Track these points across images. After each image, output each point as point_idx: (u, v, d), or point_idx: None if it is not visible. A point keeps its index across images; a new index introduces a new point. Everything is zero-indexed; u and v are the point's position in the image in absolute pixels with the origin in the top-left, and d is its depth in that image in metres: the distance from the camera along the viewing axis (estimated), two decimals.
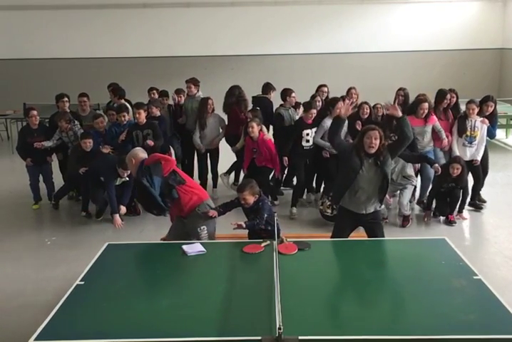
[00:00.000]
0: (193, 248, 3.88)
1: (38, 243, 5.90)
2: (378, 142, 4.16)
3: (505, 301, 3.05)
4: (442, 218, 6.22)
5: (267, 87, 7.16)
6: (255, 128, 6.11)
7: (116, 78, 13.38)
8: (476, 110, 6.23)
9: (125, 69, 13.78)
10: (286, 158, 6.34)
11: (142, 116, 6.33)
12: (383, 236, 4.44)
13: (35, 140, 6.58)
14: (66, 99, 7.06)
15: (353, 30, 14.14)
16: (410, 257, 3.90)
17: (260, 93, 7.28)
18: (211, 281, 3.48)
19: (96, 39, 13.90)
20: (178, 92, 7.32)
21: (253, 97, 7.23)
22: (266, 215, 4.33)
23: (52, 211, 6.89)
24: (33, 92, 12.84)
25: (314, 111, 6.25)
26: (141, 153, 4.62)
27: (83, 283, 3.40)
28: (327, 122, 6.16)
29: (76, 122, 6.75)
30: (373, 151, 4.18)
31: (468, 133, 6.26)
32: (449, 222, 6.11)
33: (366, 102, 6.53)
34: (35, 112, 6.63)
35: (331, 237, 4.51)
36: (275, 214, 4.35)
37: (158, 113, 6.78)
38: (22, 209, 6.99)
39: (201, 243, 4.01)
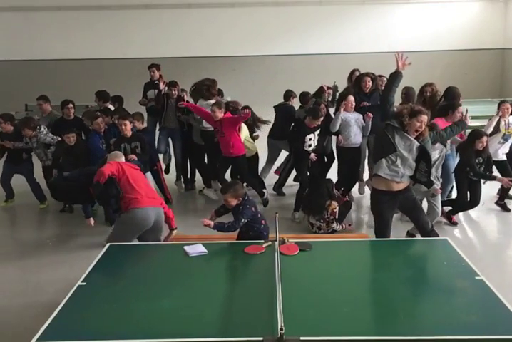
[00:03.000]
0: (195, 249, 3.88)
1: (39, 244, 5.90)
2: (424, 126, 4.24)
3: (508, 302, 3.04)
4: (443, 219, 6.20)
5: (288, 95, 7.24)
6: (217, 112, 6.07)
7: (118, 79, 13.45)
8: (511, 109, 6.36)
9: (126, 70, 13.79)
10: (313, 154, 6.26)
11: (128, 128, 6.05)
12: (423, 214, 4.55)
13: (11, 140, 6.66)
14: (71, 105, 7.01)
15: (354, 30, 14.15)
16: (412, 257, 3.90)
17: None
18: (212, 281, 3.48)
19: (98, 40, 13.92)
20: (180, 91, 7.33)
21: (275, 106, 7.29)
22: (244, 220, 4.23)
23: (53, 212, 6.90)
24: (34, 93, 12.75)
25: (322, 119, 6.22)
26: (116, 158, 4.74)
27: (84, 283, 3.40)
28: (343, 113, 6.26)
29: (42, 128, 6.61)
30: (416, 134, 4.23)
31: (504, 131, 6.33)
32: (452, 223, 6.10)
33: (367, 74, 6.52)
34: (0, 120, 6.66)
35: (377, 231, 4.54)
36: (276, 215, 4.32)
37: (141, 126, 6.64)
38: (24, 209, 7.00)
39: (203, 244, 4.01)
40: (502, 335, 2.75)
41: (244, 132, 6.59)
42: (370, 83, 6.41)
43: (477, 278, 3.35)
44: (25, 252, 5.69)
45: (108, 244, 4.08)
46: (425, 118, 4.21)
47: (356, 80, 6.77)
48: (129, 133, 6.08)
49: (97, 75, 13.55)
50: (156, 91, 7.43)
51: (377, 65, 14.03)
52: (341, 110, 6.23)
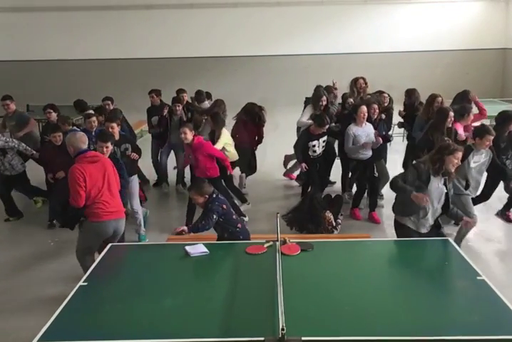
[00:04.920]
0: (196, 249, 3.88)
1: (41, 244, 5.91)
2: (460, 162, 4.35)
3: (509, 302, 3.04)
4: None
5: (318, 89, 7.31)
6: (188, 134, 5.77)
7: (119, 79, 13.46)
8: None
9: (128, 70, 13.81)
10: (304, 164, 6.30)
11: (116, 130, 5.92)
12: None
13: None
14: (49, 110, 6.97)
15: (356, 30, 14.16)
16: (413, 257, 3.89)
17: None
18: (214, 281, 3.48)
19: (100, 40, 13.95)
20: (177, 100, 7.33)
21: (306, 97, 7.38)
22: (215, 217, 4.24)
23: None
24: (36, 93, 12.89)
25: (327, 126, 6.23)
26: (81, 143, 4.45)
27: (86, 284, 3.40)
28: (353, 129, 6.16)
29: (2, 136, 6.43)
30: (454, 167, 4.30)
31: None
32: (454, 223, 6.09)
33: (374, 102, 6.48)
34: None
35: None
36: (278, 215, 4.30)
37: (119, 123, 6.54)
38: (25, 210, 6.99)
39: (203, 244, 4.01)
40: (503, 336, 2.75)
41: (225, 138, 6.46)
42: (377, 111, 6.41)
43: (478, 278, 3.35)
44: (27, 252, 5.69)
45: (109, 245, 4.09)
46: (460, 155, 4.32)
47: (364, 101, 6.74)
48: (117, 136, 5.93)
49: (99, 75, 13.57)
50: (159, 117, 7.42)
51: (379, 65, 14.13)
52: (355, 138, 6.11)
